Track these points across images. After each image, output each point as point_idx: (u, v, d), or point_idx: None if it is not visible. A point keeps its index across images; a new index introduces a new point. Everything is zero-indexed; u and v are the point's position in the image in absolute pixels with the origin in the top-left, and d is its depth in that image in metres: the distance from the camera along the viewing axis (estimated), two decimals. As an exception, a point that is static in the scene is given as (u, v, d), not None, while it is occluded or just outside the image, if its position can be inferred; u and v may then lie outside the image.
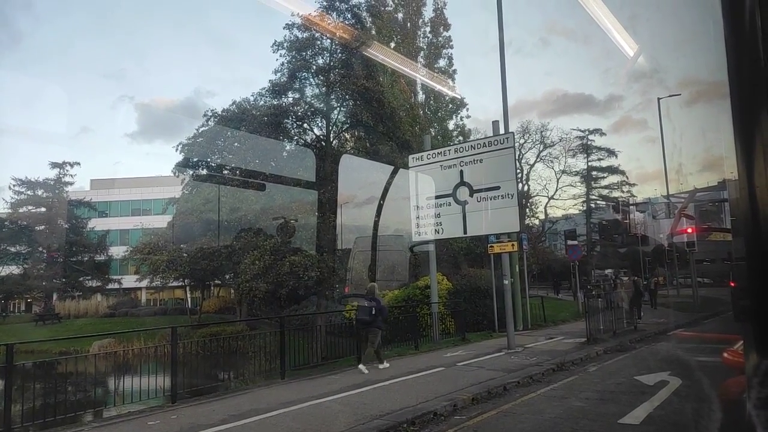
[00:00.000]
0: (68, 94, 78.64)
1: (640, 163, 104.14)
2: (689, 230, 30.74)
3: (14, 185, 45.48)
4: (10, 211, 45.65)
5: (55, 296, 47.28)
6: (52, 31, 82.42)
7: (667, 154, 32.43)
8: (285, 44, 25.47)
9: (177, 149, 27.40)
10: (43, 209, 46.06)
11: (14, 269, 45.75)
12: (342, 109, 26.88)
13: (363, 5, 26.97)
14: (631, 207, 45.75)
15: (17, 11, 76.84)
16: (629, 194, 49.78)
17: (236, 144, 27.72)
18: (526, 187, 47.19)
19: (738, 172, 1.22)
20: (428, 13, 38.49)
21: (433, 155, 16.19)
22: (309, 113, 26.61)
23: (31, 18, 78.97)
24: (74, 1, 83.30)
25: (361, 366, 11.94)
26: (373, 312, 12.27)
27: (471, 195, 14.90)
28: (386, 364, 12.28)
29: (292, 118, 26.07)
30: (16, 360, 8.57)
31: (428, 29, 38.04)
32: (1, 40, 73.83)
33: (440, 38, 38.03)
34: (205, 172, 28.98)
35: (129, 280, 47.96)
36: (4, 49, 74.81)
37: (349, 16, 26.04)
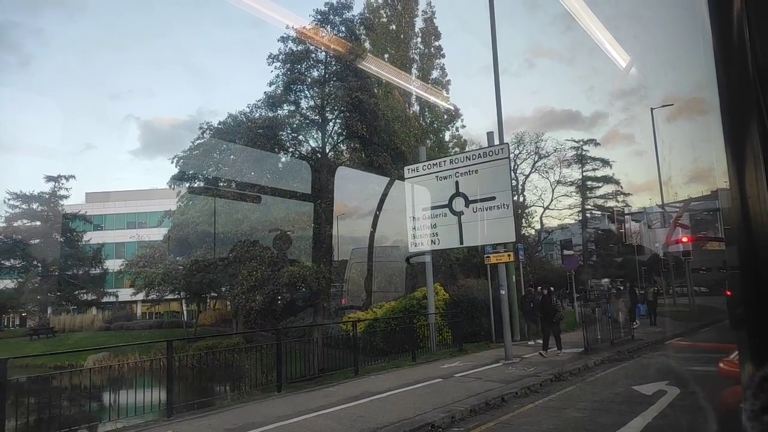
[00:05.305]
0: (75, 113, 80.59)
1: (628, 177, 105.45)
2: (684, 239, 30.83)
3: (9, 199, 45.34)
4: (4, 225, 45.44)
5: (49, 310, 46.93)
6: (63, 55, 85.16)
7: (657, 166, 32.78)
8: (280, 57, 25.59)
9: (173, 162, 27.40)
10: (38, 223, 45.82)
11: (9, 283, 45.45)
12: (337, 121, 26.95)
13: (357, 18, 27.12)
14: (626, 216, 45.84)
15: (28, 36, 79.14)
16: (624, 204, 50.00)
17: (232, 156, 27.70)
18: (521, 198, 47.24)
19: (730, 183, 1.22)
20: (419, 23, 38.71)
21: (429, 166, 16.23)
22: (304, 125, 26.67)
23: (42, 43, 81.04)
24: (84, 26, 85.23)
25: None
26: (531, 305, 18.22)
27: (467, 205, 14.92)
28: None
29: (288, 130, 26.11)
30: (10, 375, 8.49)
31: (419, 40, 38.20)
32: (10, 63, 75.71)
33: (432, 48, 38.17)
34: (201, 184, 28.90)
35: (125, 294, 47.72)
36: (14, 73, 77.16)
37: (343, 29, 26.19)
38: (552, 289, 17.33)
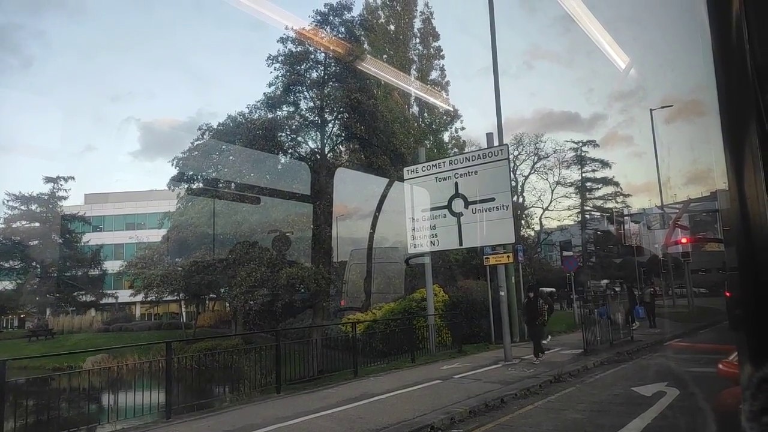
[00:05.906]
0: (75, 115, 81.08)
1: (627, 178, 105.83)
2: (683, 240, 30.87)
3: (8, 200, 45.29)
4: (3, 226, 45.37)
5: (48, 311, 46.88)
6: (64, 56, 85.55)
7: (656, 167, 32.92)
8: (279, 58, 25.61)
9: (172, 163, 27.39)
10: (36, 224, 45.77)
11: (7, 284, 45.41)
12: (336, 122, 26.96)
13: (356, 19, 27.13)
14: (625, 217, 45.88)
15: (29, 38, 79.70)
16: (623, 205, 50.03)
17: (231, 157, 27.69)
18: (521, 199, 47.26)
19: (728, 184, 1.22)
20: (418, 24, 38.69)
21: (428, 167, 16.22)
22: (303, 126, 26.67)
23: (43, 45, 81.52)
24: (85, 28, 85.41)
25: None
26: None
27: (466, 207, 14.91)
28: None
29: (287, 131, 26.11)
30: (9, 376, 8.47)
31: (418, 41, 38.21)
32: (12, 65, 76.15)
33: (431, 49, 38.17)
34: (200, 185, 28.89)
35: (123, 295, 47.64)
36: (16, 74, 77.72)
37: (342, 30, 26.21)
38: (539, 290, 17.18)
